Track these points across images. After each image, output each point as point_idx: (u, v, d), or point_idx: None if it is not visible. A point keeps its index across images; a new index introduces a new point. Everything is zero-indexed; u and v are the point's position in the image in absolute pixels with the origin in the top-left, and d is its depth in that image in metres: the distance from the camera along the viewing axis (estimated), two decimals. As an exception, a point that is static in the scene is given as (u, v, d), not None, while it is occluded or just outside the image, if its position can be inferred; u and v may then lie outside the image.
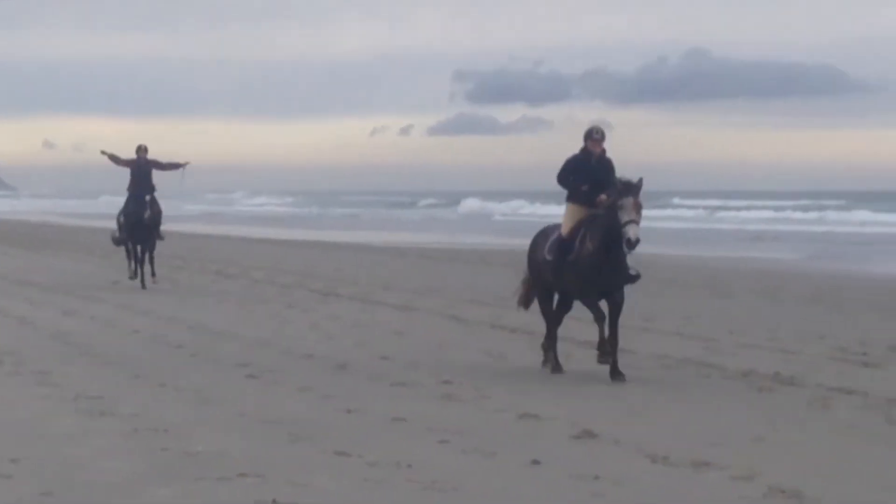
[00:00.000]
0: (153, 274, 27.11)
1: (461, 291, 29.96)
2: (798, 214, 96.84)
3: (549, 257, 16.65)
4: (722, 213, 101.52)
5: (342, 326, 22.08)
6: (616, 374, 15.87)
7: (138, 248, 27.41)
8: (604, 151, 16.91)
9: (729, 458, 10.45)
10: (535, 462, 10.20)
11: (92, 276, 36.25)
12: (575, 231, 16.47)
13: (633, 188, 15.86)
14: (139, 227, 26.56)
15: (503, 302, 23.33)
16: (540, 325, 18.01)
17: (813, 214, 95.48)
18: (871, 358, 18.04)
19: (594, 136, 16.84)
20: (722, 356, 18.23)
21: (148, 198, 26.85)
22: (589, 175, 16.67)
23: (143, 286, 27.60)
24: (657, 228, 74.76)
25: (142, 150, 26.58)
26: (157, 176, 28.68)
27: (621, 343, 16.91)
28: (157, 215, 27.21)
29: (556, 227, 17.05)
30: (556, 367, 16.62)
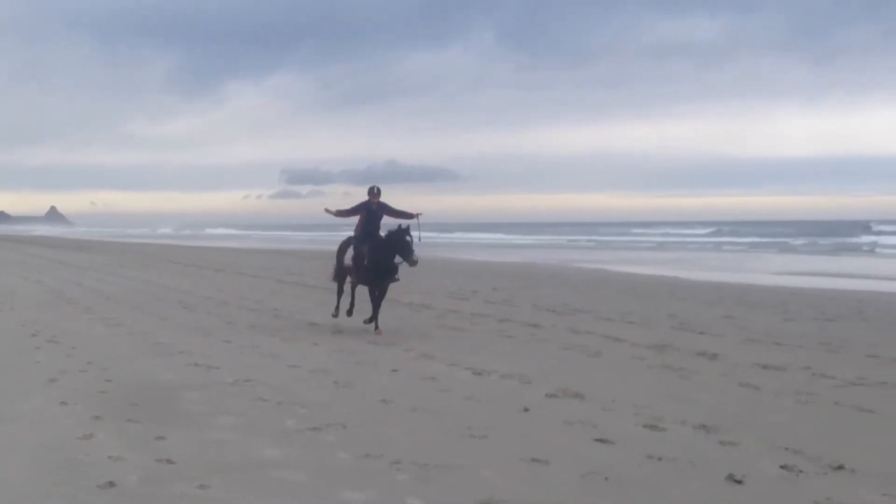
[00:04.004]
0: (376, 326, 16.30)
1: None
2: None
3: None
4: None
5: (303, 301, 23.44)
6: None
7: (375, 291, 16.53)
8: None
9: (546, 379, 10.99)
10: (432, 378, 11.28)
11: (108, 263, 41.09)
12: None
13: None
14: (377, 269, 16.41)
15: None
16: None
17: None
18: (635, 319, 18.09)
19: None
20: (516, 313, 19.22)
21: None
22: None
23: (376, 327, 16.23)
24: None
25: (374, 193, 16.76)
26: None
27: (471, 311, 19.74)
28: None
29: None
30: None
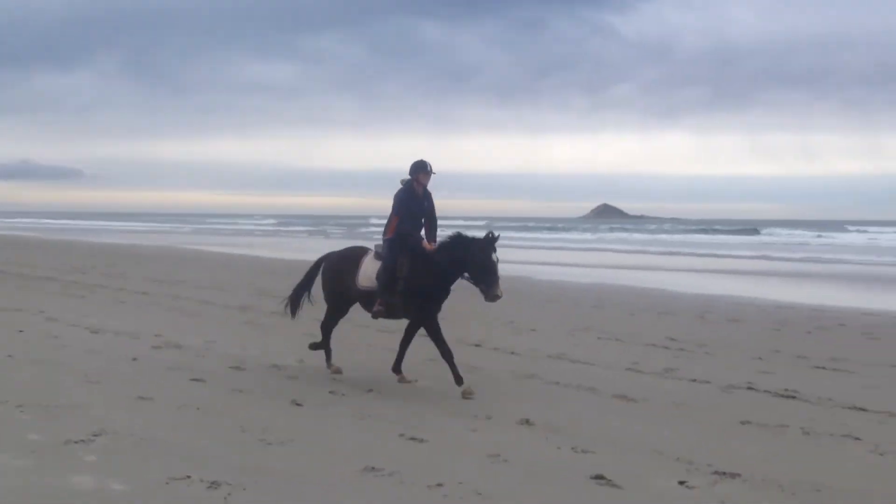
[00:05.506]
0: (460, 379, 8.34)
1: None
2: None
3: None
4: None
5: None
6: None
7: (418, 327, 8.86)
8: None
9: (153, 334, 11.35)
10: (55, 337, 12.22)
11: None
12: None
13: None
14: (424, 292, 8.52)
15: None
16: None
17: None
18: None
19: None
20: (128, 283, 19.00)
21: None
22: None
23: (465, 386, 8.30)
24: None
25: (426, 168, 8.68)
26: None
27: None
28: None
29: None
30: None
